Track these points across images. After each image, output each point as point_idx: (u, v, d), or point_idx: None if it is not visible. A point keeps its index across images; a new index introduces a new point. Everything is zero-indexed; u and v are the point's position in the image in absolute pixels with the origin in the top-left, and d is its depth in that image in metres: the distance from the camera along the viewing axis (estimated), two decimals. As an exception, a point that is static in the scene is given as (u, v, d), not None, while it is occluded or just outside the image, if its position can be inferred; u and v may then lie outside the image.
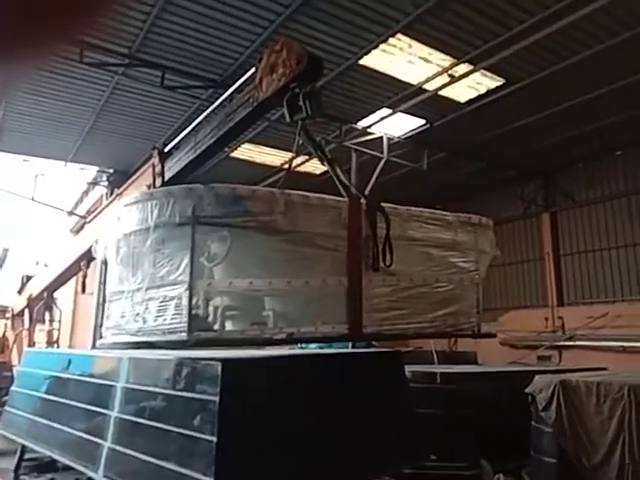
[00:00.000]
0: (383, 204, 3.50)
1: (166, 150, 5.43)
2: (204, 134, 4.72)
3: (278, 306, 3.01)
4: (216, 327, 2.87)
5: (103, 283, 5.41)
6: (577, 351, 12.90)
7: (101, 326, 3.59)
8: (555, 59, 8.93)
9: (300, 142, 3.65)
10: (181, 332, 2.88)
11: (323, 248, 3.19)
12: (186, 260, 2.93)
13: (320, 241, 3.18)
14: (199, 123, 5.01)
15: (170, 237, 3.00)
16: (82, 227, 9.04)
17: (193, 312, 2.86)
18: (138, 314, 3.05)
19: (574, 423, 5.01)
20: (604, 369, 7.36)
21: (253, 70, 4.10)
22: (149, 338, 2.98)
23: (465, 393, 6.20)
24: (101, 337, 3.56)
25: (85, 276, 7.55)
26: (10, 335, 10.10)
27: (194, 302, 2.88)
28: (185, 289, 2.90)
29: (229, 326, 2.89)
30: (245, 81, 4.35)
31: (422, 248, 3.63)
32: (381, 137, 11.48)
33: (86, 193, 17.11)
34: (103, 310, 3.63)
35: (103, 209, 7.26)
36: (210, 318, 2.89)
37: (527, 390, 5.54)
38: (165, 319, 2.95)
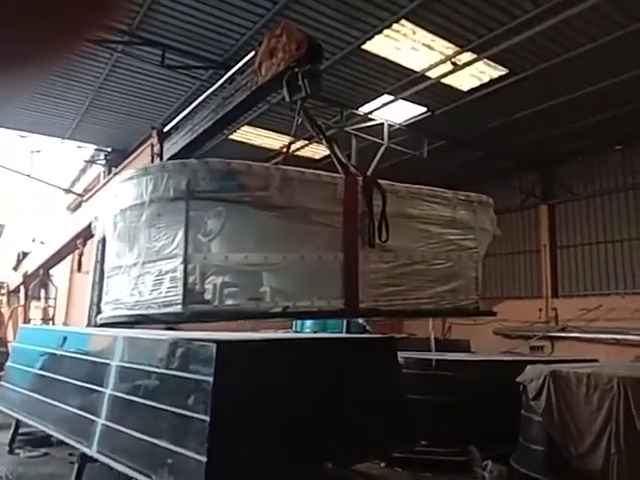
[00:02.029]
0: (380, 181, 3.51)
1: (165, 130, 5.41)
2: (202, 116, 4.70)
3: (275, 282, 3.02)
4: (211, 300, 2.89)
5: (100, 262, 5.43)
6: (569, 342, 13.04)
7: (99, 303, 3.61)
8: (559, 50, 8.86)
9: (299, 122, 3.66)
10: (176, 305, 2.92)
11: (319, 224, 3.20)
12: (181, 234, 2.95)
13: (316, 217, 3.19)
14: (198, 105, 4.98)
15: (165, 212, 3.03)
16: (79, 205, 9.03)
17: (188, 286, 2.89)
18: (135, 288, 3.08)
19: (563, 412, 5.09)
20: (595, 361, 7.45)
21: (252, 54, 4.08)
22: (145, 311, 3.01)
23: (456, 380, 6.27)
24: (100, 312, 3.58)
25: (81, 254, 7.56)
26: (5, 311, 10.12)
27: (189, 275, 2.90)
28: (180, 262, 2.93)
29: (225, 300, 2.91)
30: (244, 64, 4.32)
31: (420, 225, 3.63)
32: (382, 123, 11.42)
33: (83, 171, 17.01)
34: (100, 288, 3.66)
35: (100, 188, 7.25)
36: (206, 292, 2.91)
37: (518, 379, 5.61)
38: (161, 292, 2.98)
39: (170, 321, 3.20)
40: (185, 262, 2.92)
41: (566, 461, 4.96)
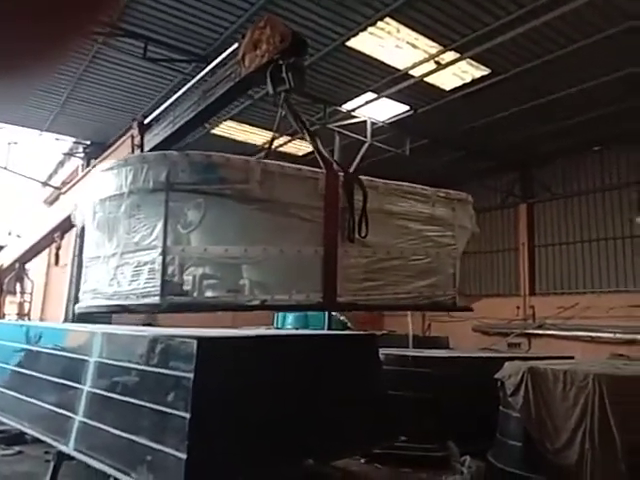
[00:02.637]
0: (361, 177, 3.52)
1: (146, 122, 5.35)
2: (184, 108, 4.67)
3: (254, 275, 3.01)
4: (190, 292, 2.87)
5: (78, 256, 5.34)
6: (546, 339, 13.28)
7: (77, 296, 3.56)
8: (541, 52, 8.98)
9: (283, 115, 3.66)
10: (154, 296, 2.91)
11: (299, 218, 3.21)
12: (160, 226, 2.94)
13: (296, 211, 3.20)
14: (179, 97, 4.93)
15: (144, 203, 3.01)
16: (57, 198, 8.86)
17: (166, 277, 2.88)
18: (113, 278, 3.06)
19: (540, 409, 5.17)
20: (571, 358, 7.59)
21: (236, 46, 4.06)
22: (124, 302, 2.99)
23: (435, 377, 6.34)
24: (77, 301, 3.53)
25: (59, 247, 7.42)
26: (-21, 306, 9.88)
27: (168, 267, 2.88)
28: (158, 254, 2.92)
29: (204, 292, 2.90)
30: (227, 56, 4.29)
31: (399, 221, 3.67)
32: (365, 121, 11.45)
33: (61, 164, 16.68)
34: (78, 280, 3.61)
35: (79, 180, 7.12)
36: (184, 284, 2.90)
37: (497, 376, 5.68)
38: (139, 283, 2.97)
39: (148, 312, 3.18)
40: (164, 254, 2.92)
41: (542, 456, 5.05)
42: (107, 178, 3.14)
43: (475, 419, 5.71)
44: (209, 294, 2.93)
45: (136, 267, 3.00)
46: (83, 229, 3.65)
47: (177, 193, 2.98)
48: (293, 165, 3.38)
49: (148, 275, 2.95)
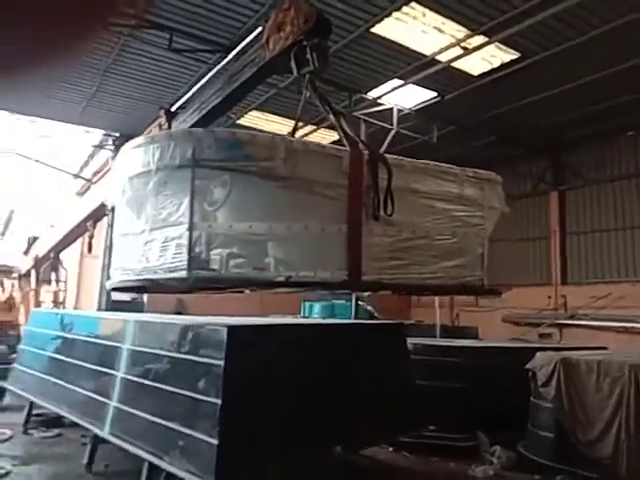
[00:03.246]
0: (386, 155, 3.50)
1: (172, 110, 5.42)
2: (209, 94, 4.72)
3: (279, 252, 3.03)
4: (216, 267, 2.91)
5: (109, 247, 5.45)
6: (578, 330, 13.00)
7: (109, 270, 3.66)
8: (572, 34, 8.70)
9: (307, 96, 3.66)
10: (181, 270, 2.95)
11: (323, 196, 3.20)
12: (186, 202, 2.99)
13: (320, 189, 3.19)
14: (205, 84, 4.97)
15: (171, 179, 3.06)
16: (88, 189, 9.05)
17: (193, 252, 2.92)
18: (142, 254, 3.13)
19: (573, 400, 5.09)
20: (604, 348, 7.43)
21: (260, 30, 4.07)
22: (152, 276, 3.05)
23: (465, 367, 6.28)
24: (109, 278, 3.63)
25: (91, 236, 7.61)
26: (17, 295, 10.22)
27: (194, 242, 2.92)
28: (185, 229, 2.97)
29: (230, 268, 2.94)
30: (252, 41, 4.30)
31: (426, 200, 3.62)
32: (391, 108, 11.31)
33: (92, 156, 17.00)
34: (109, 257, 3.70)
35: (109, 170, 7.25)
36: (210, 260, 2.94)
37: (528, 366, 5.60)
38: (167, 258, 3.03)
39: (175, 286, 3.24)
40: (190, 229, 2.97)
41: (575, 448, 4.97)
42: (135, 156, 3.20)
43: (506, 409, 5.65)
44: (235, 270, 2.96)
45: (164, 242, 3.06)
46: (113, 208, 3.73)
47: (203, 170, 3.01)
48: (317, 142, 3.39)
49: (175, 250, 3.00)
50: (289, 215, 3.10)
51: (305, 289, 3.73)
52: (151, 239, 3.11)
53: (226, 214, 2.99)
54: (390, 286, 3.59)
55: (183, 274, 2.95)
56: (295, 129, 4.36)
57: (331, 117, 3.62)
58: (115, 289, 3.56)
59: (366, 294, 5.21)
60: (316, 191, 3.18)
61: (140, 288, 3.61)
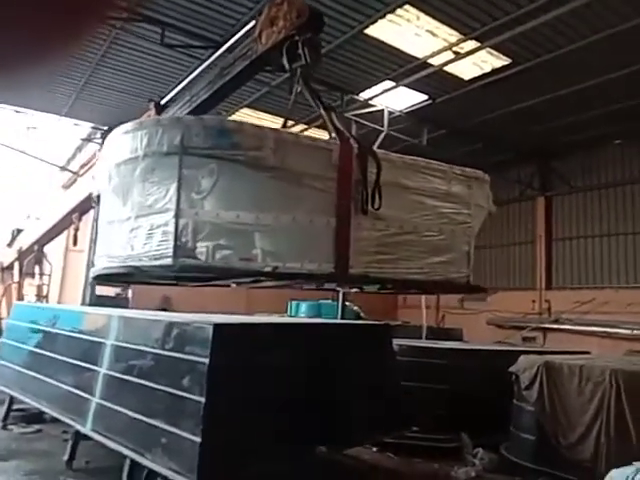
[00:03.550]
0: (376, 150, 3.50)
1: (162, 103, 5.39)
2: (200, 87, 4.71)
3: (266, 244, 3.02)
4: (202, 256, 2.89)
5: (94, 240, 5.39)
6: (562, 334, 13.16)
7: (93, 258, 3.61)
8: (563, 42, 8.80)
9: (298, 90, 3.67)
10: (167, 258, 2.92)
11: (312, 188, 3.20)
12: (173, 189, 2.96)
13: (309, 181, 3.19)
14: (196, 77, 4.95)
15: (159, 166, 3.03)
16: (75, 182, 8.95)
17: (179, 239, 2.90)
18: (127, 241, 3.10)
19: (554, 403, 5.14)
20: (587, 353, 7.52)
21: (252, 24, 4.08)
22: (137, 263, 3.01)
23: (449, 368, 6.31)
24: (93, 266, 3.58)
25: (77, 229, 7.53)
26: (-1, 288, 10.08)
27: (180, 229, 2.90)
28: (172, 216, 2.94)
29: (216, 256, 2.92)
30: (243, 35, 4.31)
31: (414, 196, 3.63)
32: (382, 110, 11.35)
33: (79, 149, 16.82)
34: (94, 244, 3.66)
35: (96, 162, 7.18)
36: (197, 249, 2.91)
37: (511, 369, 5.65)
38: (152, 246, 3.01)
39: (160, 275, 3.20)
40: (177, 216, 2.94)
41: (556, 450, 5.03)
42: (123, 142, 3.16)
43: (488, 411, 5.70)
44: (221, 259, 2.94)
45: (150, 230, 3.03)
46: (99, 203, 3.69)
47: (191, 158, 2.99)
48: (307, 135, 3.40)
49: (161, 237, 2.98)
50: (277, 206, 3.09)
51: (292, 282, 3.71)
52: (137, 226, 3.08)
53: (213, 202, 2.97)
54: (377, 280, 3.59)
55: (168, 262, 2.93)
56: (285, 123, 4.36)
57: (322, 111, 3.63)
58: (99, 276, 3.51)
59: (353, 291, 5.19)
60: (305, 183, 3.17)
61: (124, 276, 3.56)
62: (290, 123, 11.78)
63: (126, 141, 3.12)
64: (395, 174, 3.51)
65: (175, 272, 3.05)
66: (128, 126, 3.16)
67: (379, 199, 3.30)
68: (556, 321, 13.68)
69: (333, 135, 3.54)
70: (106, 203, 3.47)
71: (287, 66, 3.69)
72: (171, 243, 2.93)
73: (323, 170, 3.23)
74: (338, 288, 5.01)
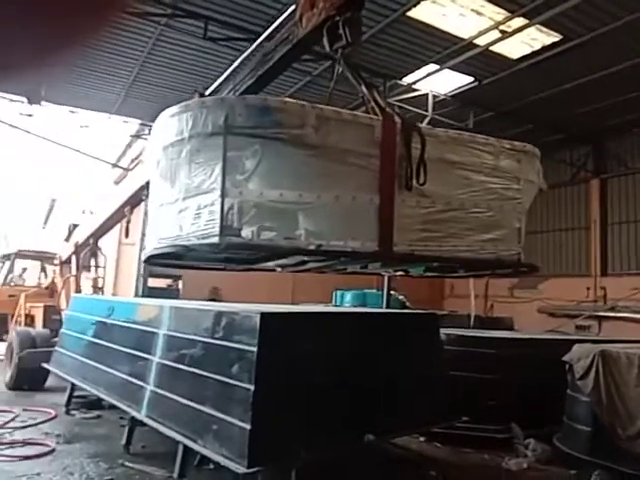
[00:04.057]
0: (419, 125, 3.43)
1: (207, 94, 5.48)
2: (243, 75, 4.77)
3: (309, 223, 3.03)
4: (248, 236, 2.93)
5: (145, 234, 5.56)
6: (618, 322, 12.60)
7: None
8: (619, 12, 8.30)
9: (340, 71, 3.65)
10: (214, 236, 2.98)
11: (355, 165, 3.16)
12: (218, 169, 3.00)
13: (352, 158, 3.15)
14: (238, 66, 5.01)
15: (204, 147, 3.08)
16: (125, 177, 9.25)
17: (226, 220, 2.95)
18: (176, 223, 3.19)
19: (611, 393, 4.93)
20: (647, 342, 7.17)
21: (293, 8, 4.09)
22: (186, 243, 3.09)
23: (499, 358, 6.17)
24: (144, 249, 3.71)
25: (129, 221, 7.80)
26: (58, 281, 10.58)
27: (226, 208, 2.95)
28: (218, 196, 2.98)
29: (261, 234, 2.97)
30: (284, 20, 4.32)
31: (460, 172, 3.53)
32: (426, 94, 11.11)
33: (129, 146, 17.38)
34: (144, 230, 3.78)
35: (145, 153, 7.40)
36: (243, 228, 2.96)
37: (565, 358, 5.46)
38: (199, 226, 3.07)
39: (207, 255, 3.27)
40: (222, 196, 2.99)
41: (613, 443, 4.83)
42: (170, 125, 3.22)
43: (541, 402, 5.54)
44: (266, 237, 2.98)
45: (197, 210, 3.09)
46: (148, 183, 3.77)
47: (235, 137, 3.02)
48: (349, 111, 3.37)
49: (208, 217, 3.03)
50: (320, 184, 3.09)
51: (336, 262, 3.68)
52: (185, 207, 3.15)
53: (257, 181, 3.00)
54: (422, 257, 3.51)
55: (215, 240, 2.98)
56: (328, 104, 4.35)
57: (363, 89, 3.59)
58: (150, 257, 3.61)
59: (398, 274, 5.10)
60: (347, 160, 3.14)
61: (174, 257, 3.63)
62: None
63: (172, 124, 3.18)
64: (440, 149, 3.42)
65: (221, 250, 3.11)
66: (174, 109, 3.22)
67: (424, 175, 3.23)
68: (612, 309, 13.10)
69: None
70: (155, 187, 3.56)
71: (328, 47, 3.67)
72: (217, 222, 2.98)
73: (366, 147, 3.19)
74: (383, 272, 4.94)
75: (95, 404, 6.76)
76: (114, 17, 0.57)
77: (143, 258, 3.89)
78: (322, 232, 3.07)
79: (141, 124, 14.92)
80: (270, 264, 3.90)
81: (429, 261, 3.68)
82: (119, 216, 8.16)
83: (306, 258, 3.49)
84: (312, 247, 3.03)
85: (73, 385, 6.65)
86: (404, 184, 3.22)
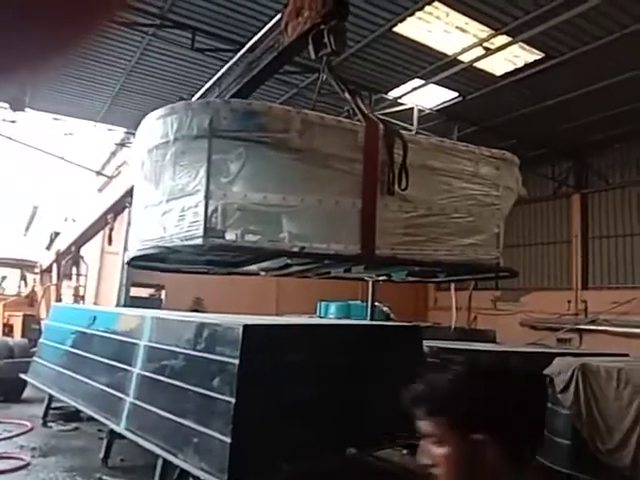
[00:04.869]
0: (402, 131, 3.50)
1: (193, 100, 5.50)
2: (229, 82, 4.78)
3: (293, 226, 3.06)
4: (231, 237, 2.95)
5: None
6: (599, 335, 12.76)
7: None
8: (599, 33, 8.52)
9: (324, 78, 3.71)
10: (197, 238, 2.99)
11: (338, 170, 3.22)
12: (203, 171, 3.03)
13: (335, 162, 3.20)
14: (223, 74, 5.02)
15: (189, 150, 3.10)
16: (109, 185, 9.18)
17: (210, 222, 2.96)
18: (160, 225, 3.19)
19: (591, 407, 4.98)
20: (626, 355, 7.27)
21: (278, 17, 4.13)
22: (169, 244, 3.09)
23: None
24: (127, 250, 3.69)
25: (111, 229, 7.72)
26: (39, 290, 10.42)
27: (210, 211, 2.96)
28: (202, 198, 3.00)
29: (244, 236, 2.98)
30: (270, 29, 4.35)
31: (441, 178, 3.61)
32: (412, 108, 11.24)
33: (114, 154, 17.26)
34: (127, 235, 3.76)
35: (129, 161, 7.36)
36: (227, 231, 2.97)
37: (546, 371, 5.51)
38: (183, 227, 3.08)
39: (191, 257, 3.26)
40: (207, 197, 3.00)
41: (593, 456, 4.87)
42: (155, 127, 3.23)
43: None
44: (250, 240, 2.99)
45: (181, 212, 3.10)
46: (132, 189, 3.76)
47: (219, 141, 3.04)
48: (333, 117, 3.41)
49: (192, 219, 3.05)
50: (303, 187, 3.12)
51: (319, 265, 3.72)
52: (168, 209, 3.16)
53: (241, 184, 3.03)
54: (403, 261, 3.57)
55: (199, 242, 2.99)
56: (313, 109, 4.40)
57: (347, 96, 3.64)
58: (133, 259, 3.58)
59: (380, 279, 5.16)
60: (331, 164, 3.19)
61: (157, 259, 3.62)
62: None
63: (157, 126, 3.19)
64: (422, 155, 3.49)
65: (205, 252, 3.11)
66: (160, 112, 3.23)
67: (406, 180, 3.29)
68: (593, 322, 13.27)
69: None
70: (139, 189, 3.56)
71: (313, 55, 3.72)
72: (201, 224, 2.99)
73: (349, 151, 3.24)
74: (366, 276, 4.98)
75: (73, 416, 6.64)
76: (110, 21, 0.57)
77: (126, 260, 3.87)
78: (305, 235, 3.10)
79: (126, 132, 14.84)
80: (253, 267, 3.90)
81: (411, 264, 3.74)
82: (102, 224, 8.08)
83: (289, 261, 3.51)
84: (295, 249, 3.05)
85: (51, 396, 6.52)
86: (386, 189, 3.28)
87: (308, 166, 3.15)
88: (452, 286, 13.07)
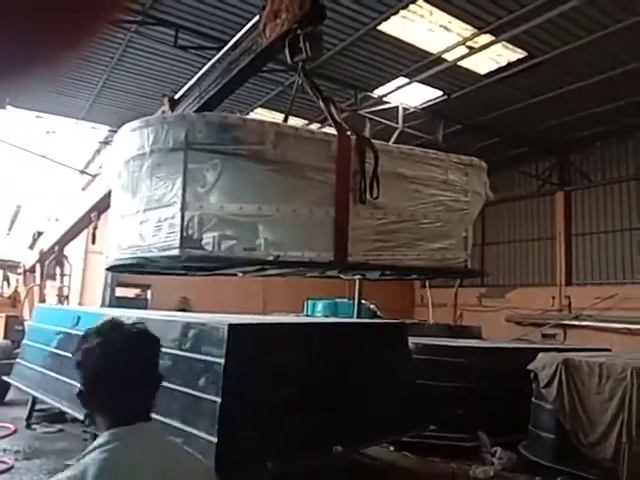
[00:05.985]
0: (373, 141, 3.56)
1: (176, 98, 5.50)
2: (209, 82, 4.79)
3: (269, 234, 3.13)
4: (208, 248, 2.98)
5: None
6: (582, 331, 12.96)
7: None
8: (581, 32, 8.63)
9: (300, 83, 3.74)
10: (174, 249, 3.03)
11: (312, 179, 3.29)
12: (179, 183, 3.07)
13: (309, 173, 3.28)
14: (204, 73, 5.01)
15: (165, 162, 3.14)
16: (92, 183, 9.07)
17: (186, 233, 3.00)
18: (137, 235, 3.22)
19: (574, 401, 5.07)
20: (608, 350, 7.40)
21: (257, 18, 4.14)
22: (147, 254, 3.11)
23: (467, 367, 6.26)
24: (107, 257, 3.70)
25: (95, 227, 7.65)
26: (22, 290, 10.28)
27: (186, 222, 3.02)
28: (178, 209, 3.04)
29: (221, 247, 3.02)
30: (249, 30, 4.35)
31: (411, 185, 3.71)
32: (397, 107, 11.29)
33: (97, 152, 17.07)
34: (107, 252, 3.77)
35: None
36: (203, 240, 3.01)
37: (530, 367, 5.59)
38: (160, 238, 3.12)
39: (169, 265, 3.29)
40: (183, 209, 3.04)
41: (576, 449, 4.96)
42: (131, 139, 3.26)
43: (507, 410, 5.63)
44: (226, 249, 3.03)
45: (158, 222, 3.14)
46: (110, 193, 3.79)
47: (196, 153, 3.09)
48: (306, 128, 3.45)
49: (169, 229, 3.09)
50: (279, 198, 3.19)
51: (294, 270, 3.79)
52: (145, 219, 3.19)
53: (217, 195, 3.08)
54: (375, 266, 3.68)
55: (176, 252, 3.03)
56: (287, 117, 4.42)
57: (320, 103, 3.69)
58: (112, 267, 3.60)
59: (356, 277, 5.29)
60: (305, 175, 3.26)
61: (136, 266, 3.65)
62: (304, 122, 11.80)
63: (134, 138, 3.22)
64: (393, 164, 3.58)
65: (182, 262, 3.14)
66: (135, 124, 3.25)
67: (377, 189, 3.37)
68: (576, 318, 13.47)
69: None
70: (117, 198, 3.57)
71: (289, 60, 3.74)
72: (178, 235, 3.03)
73: (322, 162, 3.31)
74: (342, 276, 5.18)
75: (57, 418, 6.57)
76: (108, 23, 0.57)
77: (105, 267, 3.89)
78: (281, 243, 3.17)
79: (110, 130, 14.68)
80: (231, 271, 3.93)
81: (382, 269, 3.85)
82: (85, 222, 7.99)
83: (266, 266, 3.55)
84: (270, 258, 3.12)
85: (35, 398, 6.45)
86: (359, 197, 3.35)
87: (283, 177, 3.22)
88: (427, 283, 13.26)
